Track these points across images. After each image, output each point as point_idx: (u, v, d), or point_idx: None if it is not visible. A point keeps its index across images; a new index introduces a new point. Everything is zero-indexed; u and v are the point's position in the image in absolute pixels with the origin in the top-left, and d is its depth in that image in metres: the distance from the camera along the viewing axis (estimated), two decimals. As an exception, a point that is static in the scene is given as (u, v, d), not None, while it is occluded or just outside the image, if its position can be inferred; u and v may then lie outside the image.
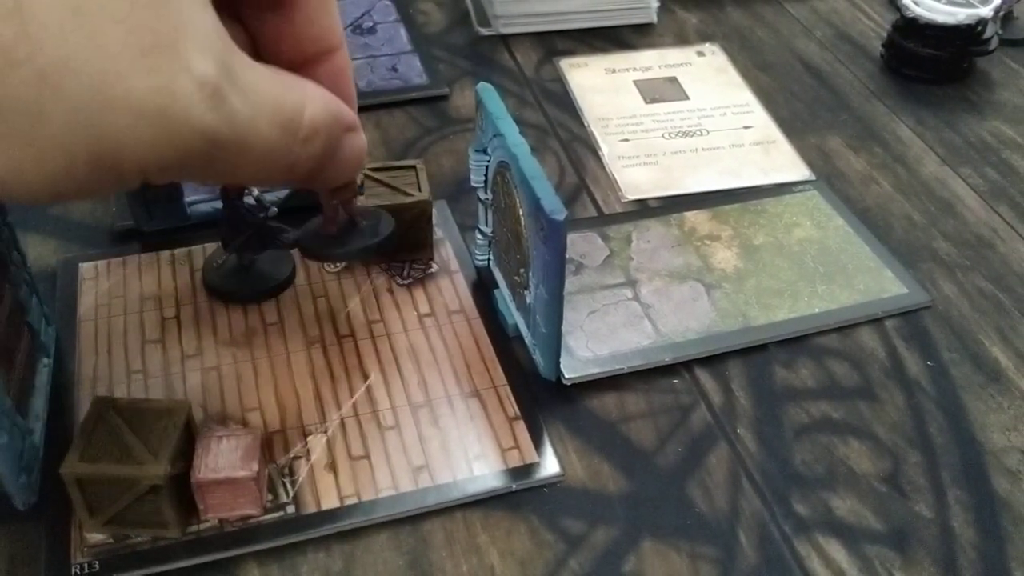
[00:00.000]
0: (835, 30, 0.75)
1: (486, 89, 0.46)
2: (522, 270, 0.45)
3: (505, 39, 0.72)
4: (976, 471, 0.43)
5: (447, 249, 0.53)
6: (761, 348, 0.49)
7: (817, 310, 0.50)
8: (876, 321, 0.50)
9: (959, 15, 0.66)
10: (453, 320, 0.49)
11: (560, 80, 0.68)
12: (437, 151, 0.61)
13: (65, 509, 0.40)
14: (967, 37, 0.67)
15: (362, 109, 0.63)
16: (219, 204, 0.51)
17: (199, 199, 0.52)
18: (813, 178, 0.59)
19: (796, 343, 0.49)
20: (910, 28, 0.68)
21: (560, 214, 0.39)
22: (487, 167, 0.47)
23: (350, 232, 0.42)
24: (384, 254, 0.50)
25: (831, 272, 0.52)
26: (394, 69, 0.66)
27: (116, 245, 0.52)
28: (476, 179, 0.48)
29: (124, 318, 0.48)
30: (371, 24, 0.71)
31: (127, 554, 0.38)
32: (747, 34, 0.74)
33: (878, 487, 0.43)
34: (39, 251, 0.51)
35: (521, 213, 0.43)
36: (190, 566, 0.38)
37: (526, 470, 0.42)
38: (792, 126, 0.64)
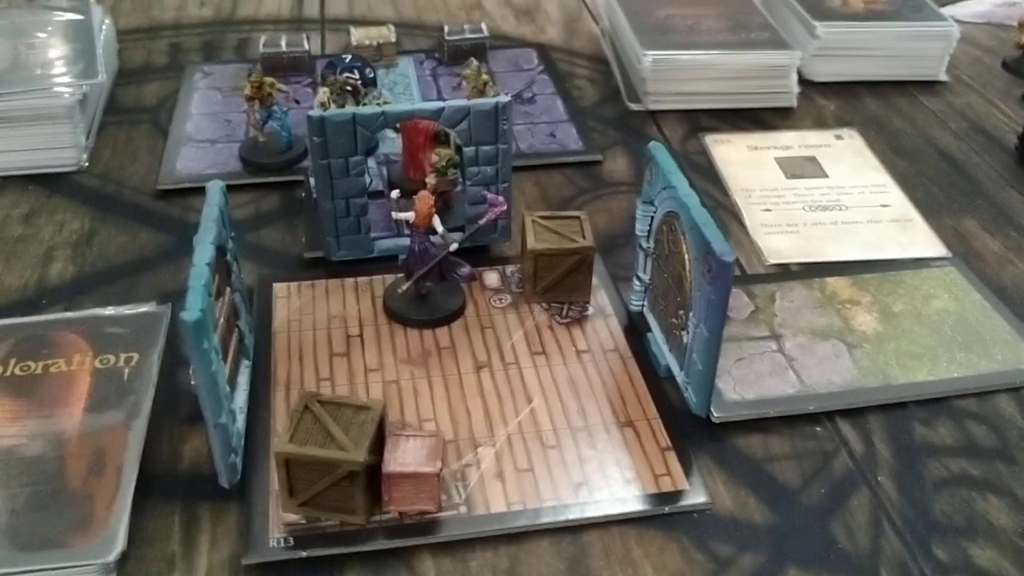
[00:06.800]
0: (969, 123, 0.78)
1: (658, 148, 0.51)
2: (681, 312, 0.49)
3: (653, 114, 0.77)
4: (1116, 535, 0.45)
5: (601, 295, 0.57)
6: (901, 406, 0.51)
7: (956, 375, 0.52)
8: (1014, 390, 0.52)
9: (1097, 113, 0.68)
10: (608, 358, 0.53)
11: (704, 153, 0.72)
12: (591, 209, 0.65)
13: (264, 491, 0.44)
14: (1105, 134, 0.69)
15: (524, 168, 0.70)
16: (400, 240, 0.57)
17: (382, 235, 0.58)
18: (950, 255, 0.62)
19: (935, 404, 0.51)
20: (1047, 123, 0.70)
21: (729, 256, 0.43)
22: (652, 217, 0.52)
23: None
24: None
25: (969, 341, 0.55)
26: (552, 135, 0.72)
27: (305, 271, 0.58)
28: (641, 228, 0.52)
29: (313, 333, 0.53)
30: (531, 95, 0.77)
31: (317, 535, 0.43)
32: (883, 122, 0.78)
33: (1018, 542, 0.44)
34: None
35: (687, 258, 0.47)
36: (372, 551, 0.43)
37: (676, 496, 0.45)
38: (928, 207, 0.67)
